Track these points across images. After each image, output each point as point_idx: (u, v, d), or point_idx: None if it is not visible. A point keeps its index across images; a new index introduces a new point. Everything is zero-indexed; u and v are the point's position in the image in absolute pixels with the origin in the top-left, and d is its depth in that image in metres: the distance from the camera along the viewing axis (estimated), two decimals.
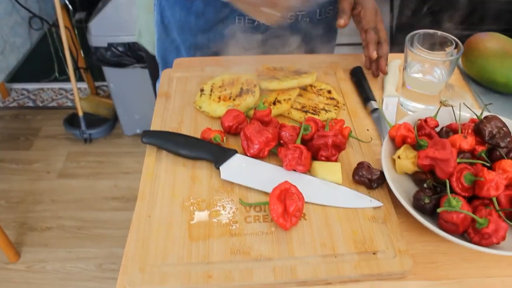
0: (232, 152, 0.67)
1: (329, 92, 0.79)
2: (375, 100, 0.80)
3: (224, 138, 0.69)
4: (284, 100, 0.74)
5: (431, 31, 0.79)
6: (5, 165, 2.25)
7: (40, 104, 2.66)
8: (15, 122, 2.55)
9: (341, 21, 0.86)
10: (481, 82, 0.88)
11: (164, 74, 0.85)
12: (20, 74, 2.68)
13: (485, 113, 0.68)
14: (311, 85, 0.80)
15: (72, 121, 2.35)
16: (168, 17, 0.99)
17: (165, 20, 1.00)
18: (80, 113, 2.23)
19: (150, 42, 1.35)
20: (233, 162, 0.66)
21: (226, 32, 0.94)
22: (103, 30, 1.90)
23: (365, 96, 0.81)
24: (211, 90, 0.77)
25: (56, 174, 2.19)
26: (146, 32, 1.72)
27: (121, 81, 2.05)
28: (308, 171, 0.65)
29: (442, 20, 1.90)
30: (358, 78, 0.85)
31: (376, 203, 0.61)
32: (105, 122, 2.36)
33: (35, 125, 2.51)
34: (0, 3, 1.67)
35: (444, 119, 0.71)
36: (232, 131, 0.70)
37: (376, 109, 0.78)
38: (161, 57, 1.08)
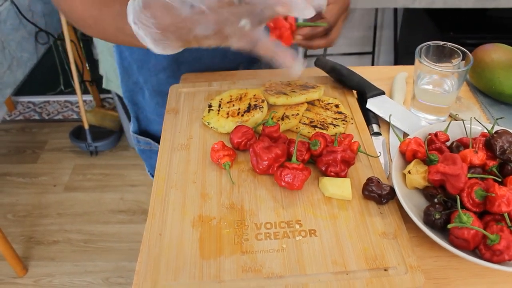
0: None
1: (337, 106, 0.79)
2: (377, 124, 0.80)
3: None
4: (293, 115, 0.74)
5: (440, 42, 0.80)
6: (12, 178, 2.26)
7: (46, 117, 2.68)
8: (21, 135, 2.56)
9: None
10: (489, 93, 0.88)
11: (172, 90, 0.85)
12: (26, 87, 2.70)
13: (496, 127, 0.68)
14: (318, 100, 0.80)
15: (78, 133, 2.36)
16: (127, 57, 0.96)
17: (124, 62, 0.98)
18: (86, 126, 2.24)
19: (118, 86, 1.35)
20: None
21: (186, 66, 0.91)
22: (108, 43, 1.91)
23: (366, 117, 0.80)
24: (219, 106, 0.77)
25: (63, 187, 2.20)
26: (113, 76, 1.68)
27: None
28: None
29: (447, 31, 1.90)
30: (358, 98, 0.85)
31: None
32: (111, 135, 2.37)
33: (41, 138, 2.52)
34: (7, 19, 1.68)
35: (455, 133, 0.71)
36: (241, 148, 0.70)
37: (377, 132, 0.78)
38: (128, 99, 1.05)
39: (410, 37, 2.33)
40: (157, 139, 1.06)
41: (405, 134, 0.78)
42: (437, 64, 0.77)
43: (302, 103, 0.77)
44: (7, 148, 2.46)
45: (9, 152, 2.44)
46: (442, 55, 0.80)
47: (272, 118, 0.72)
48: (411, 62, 0.81)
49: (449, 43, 0.80)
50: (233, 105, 0.77)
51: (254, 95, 0.78)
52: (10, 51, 1.70)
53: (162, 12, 0.50)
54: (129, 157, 2.33)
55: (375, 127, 0.78)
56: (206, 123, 0.76)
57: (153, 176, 1.15)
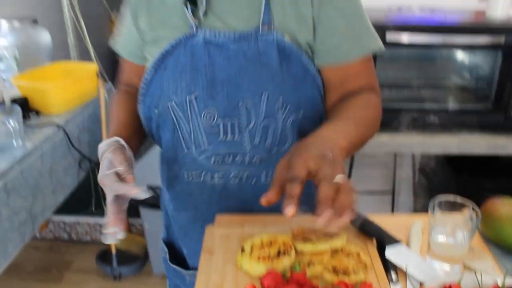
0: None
1: (358, 254, 0.86)
2: (395, 271, 0.86)
3: None
4: (318, 262, 0.82)
5: (451, 197, 0.89)
6: None
7: (75, 238, 2.77)
8: (49, 253, 2.64)
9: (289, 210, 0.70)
10: (499, 244, 0.95)
11: (207, 231, 0.95)
12: (59, 206, 2.83)
13: (508, 278, 0.74)
14: (341, 248, 0.88)
15: (103, 256, 2.43)
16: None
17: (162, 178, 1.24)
18: (113, 251, 2.31)
19: None
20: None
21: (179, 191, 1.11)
22: (143, 174, 2.07)
23: (384, 265, 0.86)
24: (251, 250, 0.86)
25: None
26: None
27: (157, 222, 2.16)
28: None
29: (462, 174, 2.01)
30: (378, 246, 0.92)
31: None
32: (136, 260, 2.42)
33: (68, 258, 2.59)
34: (59, 147, 1.87)
35: (469, 283, 0.77)
36: None
37: (395, 280, 0.85)
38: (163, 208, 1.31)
39: (428, 178, 2.44)
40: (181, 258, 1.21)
41: (422, 283, 0.84)
42: (449, 215, 0.85)
43: (326, 250, 0.85)
44: (34, 266, 2.52)
45: (36, 270, 2.50)
46: (454, 206, 0.89)
47: (299, 263, 0.79)
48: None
49: (459, 197, 0.89)
50: (264, 249, 0.85)
51: (283, 241, 0.86)
52: (56, 177, 1.85)
53: None
54: (152, 284, 2.36)
55: (393, 275, 0.85)
56: (239, 266, 0.84)
57: None
